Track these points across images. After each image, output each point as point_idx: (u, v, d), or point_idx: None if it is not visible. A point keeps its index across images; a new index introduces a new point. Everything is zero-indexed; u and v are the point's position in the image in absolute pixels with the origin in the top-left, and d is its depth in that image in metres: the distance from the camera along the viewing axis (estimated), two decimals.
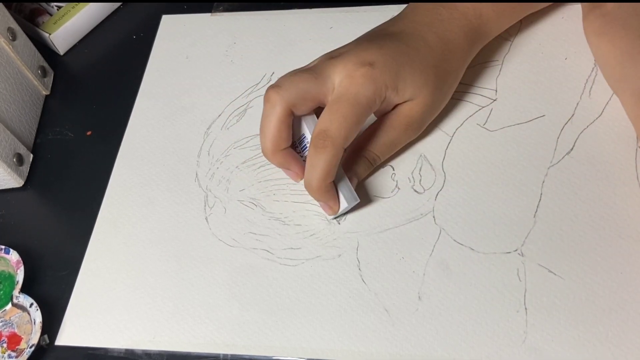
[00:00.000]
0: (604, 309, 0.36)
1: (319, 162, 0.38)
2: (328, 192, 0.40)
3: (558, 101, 0.44)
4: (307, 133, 0.40)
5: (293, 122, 0.40)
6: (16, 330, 0.41)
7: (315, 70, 0.39)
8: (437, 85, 0.41)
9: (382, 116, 0.42)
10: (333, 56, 0.40)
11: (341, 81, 0.38)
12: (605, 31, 0.42)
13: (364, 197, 0.43)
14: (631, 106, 0.40)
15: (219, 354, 0.39)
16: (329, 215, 0.42)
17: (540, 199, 0.41)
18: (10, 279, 0.43)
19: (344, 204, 0.40)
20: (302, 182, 0.43)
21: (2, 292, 0.43)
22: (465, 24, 0.42)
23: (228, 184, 0.45)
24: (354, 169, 0.42)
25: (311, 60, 0.42)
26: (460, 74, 0.43)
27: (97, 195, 0.47)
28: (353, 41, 0.42)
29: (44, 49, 0.56)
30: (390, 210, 0.42)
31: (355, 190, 0.41)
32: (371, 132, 0.42)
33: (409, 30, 0.41)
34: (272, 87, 0.39)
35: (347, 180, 0.41)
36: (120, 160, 0.49)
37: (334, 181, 0.40)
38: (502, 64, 0.47)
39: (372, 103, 0.38)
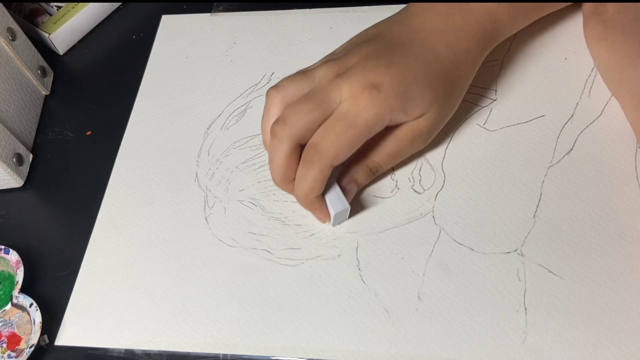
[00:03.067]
0: (604, 309, 0.36)
1: (304, 177, 0.38)
2: (314, 204, 0.40)
3: (558, 101, 0.44)
4: None
5: None
6: (16, 331, 0.41)
7: (319, 96, 0.38)
8: (446, 97, 0.40)
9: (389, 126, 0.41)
10: (339, 73, 0.38)
11: (345, 100, 0.37)
12: (605, 37, 0.42)
13: (364, 197, 0.43)
14: (631, 109, 0.40)
15: (219, 354, 0.39)
16: (323, 223, 0.42)
17: (540, 199, 0.41)
18: (10, 279, 0.43)
19: (332, 212, 0.40)
20: None
21: (1, 292, 0.43)
22: (479, 30, 0.41)
23: (228, 184, 0.45)
24: (354, 176, 0.41)
25: (311, 62, 0.41)
26: (469, 81, 0.42)
27: (97, 195, 0.47)
28: (359, 48, 0.39)
29: (44, 49, 0.56)
30: (390, 210, 0.42)
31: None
32: (376, 141, 0.41)
33: (419, 41, 0.39)
34: (277, 122, 0.38)
35: (336, 188, 0.40)
36: (120, 160, 0.49)
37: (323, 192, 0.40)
38: (502, 64, 0.47)
39: (371, 126, 0.37)
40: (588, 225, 0.39)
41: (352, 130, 0.37)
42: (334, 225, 0.42)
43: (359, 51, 0.39)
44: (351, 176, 0.41)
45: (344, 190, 0.41)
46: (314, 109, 0.37)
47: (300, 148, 0.39)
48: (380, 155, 0.41)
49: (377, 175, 0.43)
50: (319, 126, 0.38)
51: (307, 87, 0.39)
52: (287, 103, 0.39)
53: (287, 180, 0.40)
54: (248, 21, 0.55)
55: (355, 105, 0.37)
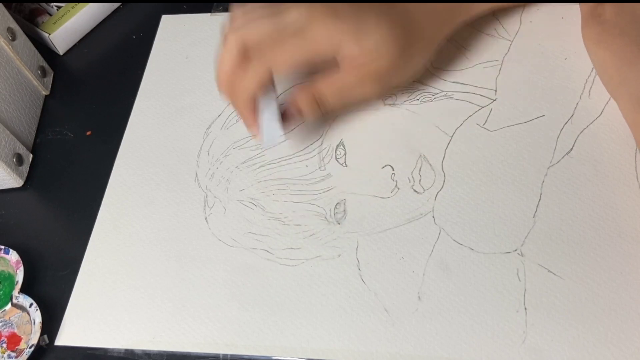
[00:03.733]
0: (604, 309, 0.36)
1: (242, 74, 0.38)
2: (245, 106, 0.40)
3: (558, 101, 0.44)
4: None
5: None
6: (16, 331, 0.41)
7: (274, 8, 0.38)
8: (406, 45, 0.39)
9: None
10: None
11: (300, 15, 0.38)
12: (603, 39, 0.42)
13: (364, 197, 0.43)
14: (629, 110, 0.40)
15: (219, 354, 0.39)
16: (255, 138, 0.43)
17: (540, 199, 0.41)
18: (10, 279, 0.43)
19: (261, 123, 0.41)
20: (302, 182, 0.43)
21: (1, 292, 0.43)
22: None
23: (228, 184, 0.45)
24: (297, 100, 0.41)
25: None
26: (434, 43, 0.42)
27: (97, 195, 0.47)
28: None
29: (44, 49, 0.56)
30: (390, 210, 0.42)
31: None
32: (326, 72, 0.40)
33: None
34: (230, 28, 0.39)
35: (273, 106, 0.41)
36: (120, 160, 0.49)
37: (261, 110, 0.40)
38: (502, 64, 0.47)
39: (318, 45, 0.38)
40: (588, 225, 0.39)
41: (299, 43, 0.38)
42: (265, 147, 0.42)
43: None
44: (293, 99, 0.41)
45: (284, 113, 0.41)
46: (266, 16, 0.38)
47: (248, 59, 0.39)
48: (325, 83, 0.40)
49: (329, 120, 0.43)
50: (269, 37, 0.38)
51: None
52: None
53: (229, 85, 0.40)
54: None
55: (309, 22, 0.38)
